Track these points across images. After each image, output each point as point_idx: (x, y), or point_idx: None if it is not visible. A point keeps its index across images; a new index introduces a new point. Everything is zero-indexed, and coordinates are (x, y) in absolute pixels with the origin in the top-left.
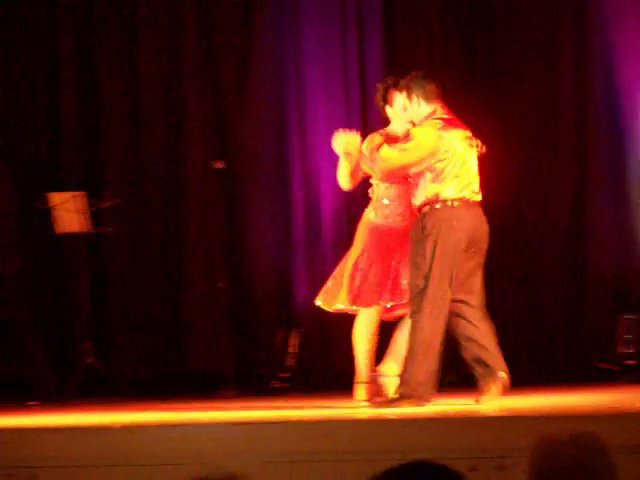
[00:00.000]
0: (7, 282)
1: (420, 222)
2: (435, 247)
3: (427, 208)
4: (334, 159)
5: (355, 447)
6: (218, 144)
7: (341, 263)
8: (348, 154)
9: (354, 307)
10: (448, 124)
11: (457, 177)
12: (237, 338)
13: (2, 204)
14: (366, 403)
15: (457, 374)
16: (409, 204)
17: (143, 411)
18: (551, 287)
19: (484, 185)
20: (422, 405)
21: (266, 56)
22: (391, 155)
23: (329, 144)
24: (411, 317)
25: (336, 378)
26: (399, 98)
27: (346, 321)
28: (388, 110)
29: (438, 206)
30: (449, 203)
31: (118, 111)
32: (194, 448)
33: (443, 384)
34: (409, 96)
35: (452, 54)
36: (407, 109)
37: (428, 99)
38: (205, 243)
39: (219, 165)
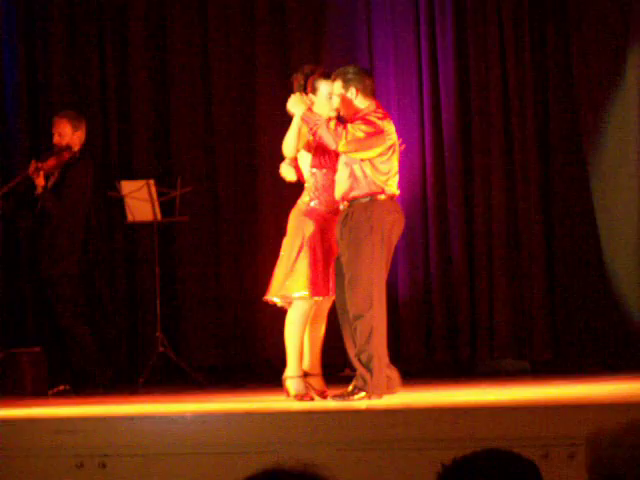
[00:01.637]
0: (55, 283)
1: (361, 213)
2: (382, 239)
3: (369, 199)
4: (404, 141)
5: (428, 435)
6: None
7: (287, 253)
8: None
9: (312, 297)
10: (388, 118)
11: (397, 173)
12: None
13: (78, 203)
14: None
15: (531, 363)
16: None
17: (215, 400)
18: (620, 274)
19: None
20: (378, 398)
21: (338, 40)
22: (358, 135)
23: (401, 127)
24: (359, 309)
25: (407, 365)
26: (324, 86)
27: (416, 309)
28: (312, 97)
29: (382, 198)
30: (390, 197)
31: (190, 98)
32: (267, 437)
33: (515, 372)
34: (346, 87)
35: (523, 34)
36: (334, 97)
37: (366, 94)
38: (278, 230)
39: None
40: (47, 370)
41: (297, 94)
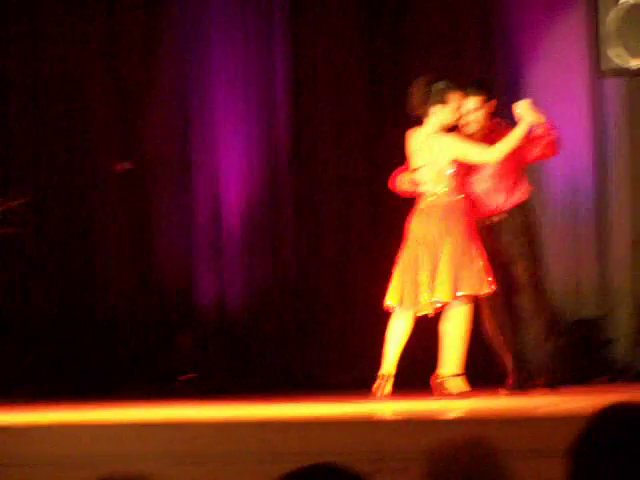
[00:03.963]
0: None
1: (525, 214)
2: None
3: (525, 202)
4: (236, 159)
5: (259, 449)
6: (123, 145)
7: (458, 251)
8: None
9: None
10: None
11: None
12: (142, 338)
13: None
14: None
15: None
16: None
17: (46, 411)
18: None
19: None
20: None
21: (170, 57)
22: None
23: (232, 144)
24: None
25: (238, 379)
26: (456, 99)
27: (247, 322)
28: (438, 108)
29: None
30: None
31: (22, 110)
32: (98, 449)
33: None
34: (489, 101)
35: (356, 38)
36: (477, 111)
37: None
38: (110, 243)
39: (124, 166)
40: None
41: (528, 100)
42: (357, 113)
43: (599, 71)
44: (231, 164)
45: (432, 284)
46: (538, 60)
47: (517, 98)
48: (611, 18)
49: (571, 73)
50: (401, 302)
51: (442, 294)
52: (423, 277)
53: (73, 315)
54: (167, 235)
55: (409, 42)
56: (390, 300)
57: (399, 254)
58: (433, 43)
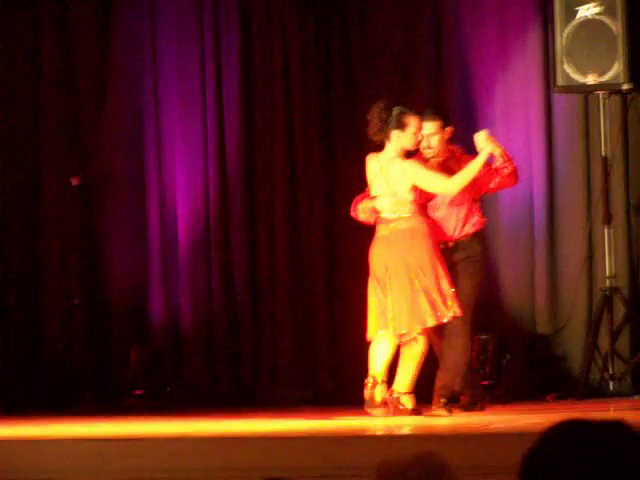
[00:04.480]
0: None
1: (480, 244)
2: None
3: (480, 232)
4: (190, 175)
5: (207, 465)
6: (75, 159)
7: (432, 274)
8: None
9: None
10: None
11: None
12: (93, 354)
13: None
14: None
15: (313, 393)
16: None
17: None
18: None
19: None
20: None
21: (123, 70)
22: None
23: (185, 159)
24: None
25: (189, 395)
26: (415, 123)
27: (200, 339)
28: (396, 133)
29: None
30: None
31: None
32: (45, 464)
33: (298, 402)
34: (445, 127)
35: (308, 58)
36: (434, 137)
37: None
38: (61, 259)
39: (76, 181)
40: None
41: (486, 131)
42: (310, 132)
43: (556, 87)
44: (184, 180)
45: (423, 305)
46: (492, 78)
47: (469, 118)
48: (567, 33)
49: (527, 90)
50: (382, 328)
51: (455, 309)
52: (402, 299)
53: (23, 331)
54: (119, 251)
55: (360, 62)
56: (370, 332)
57: (368, 283)
58: (386, 62)
